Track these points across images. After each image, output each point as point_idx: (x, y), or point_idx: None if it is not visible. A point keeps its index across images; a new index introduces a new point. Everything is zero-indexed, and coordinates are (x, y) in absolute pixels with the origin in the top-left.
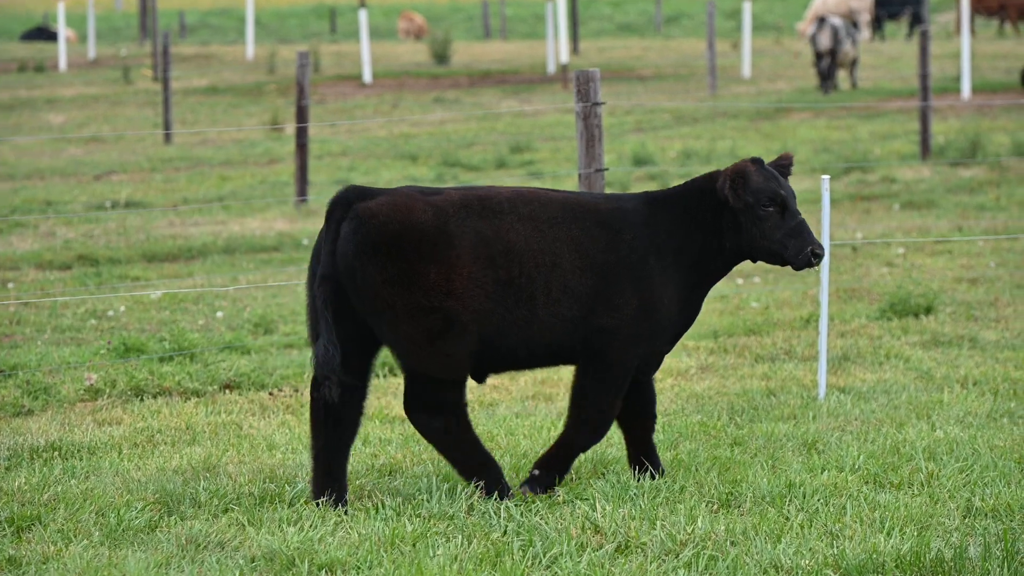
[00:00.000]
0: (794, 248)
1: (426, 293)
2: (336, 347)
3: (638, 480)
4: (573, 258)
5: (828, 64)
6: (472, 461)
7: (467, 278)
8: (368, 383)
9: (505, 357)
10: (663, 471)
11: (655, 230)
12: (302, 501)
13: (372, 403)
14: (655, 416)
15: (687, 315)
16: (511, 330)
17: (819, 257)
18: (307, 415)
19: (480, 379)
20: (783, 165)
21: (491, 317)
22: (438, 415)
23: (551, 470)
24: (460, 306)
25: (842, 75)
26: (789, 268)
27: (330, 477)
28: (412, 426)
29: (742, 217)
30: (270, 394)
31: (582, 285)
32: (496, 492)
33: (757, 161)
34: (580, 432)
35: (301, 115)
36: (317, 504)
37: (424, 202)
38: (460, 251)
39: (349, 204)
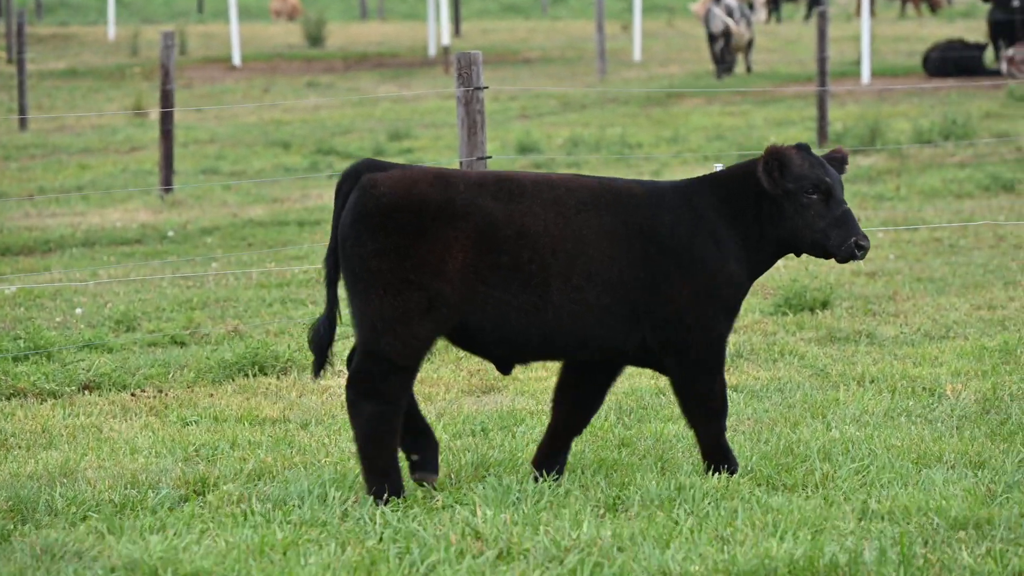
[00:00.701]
0: (837, 239)
1: (416, 268)
2: (331, 325)
3: (521, 482)
4: (604, 245)
5: (722, 47)
6: (379, 464)
7: (461, 260)
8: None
9: (515, 343)
10: (558, 476)
11: (698, 210)
12: (166, 507)
13: (241, 405)
14: (588, 423)
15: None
16: (516, 315)
17: (864, 249)
18: (171, 417)
19: (505, 370)
20: (836, 159)
21: (487, 301)
22: (374, 401)
23: (719, 466)
24: (448, 287)
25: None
26: None
27: (419, 439)
28: (346, 404)
29: (784, 204)
30: (132, 395)
31: (614, 273)
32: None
33: (803, 147)
34: (708, 425)
35: (166, 100)
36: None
37: (434, 175)
38: (461, 231)
39: (358, 176)
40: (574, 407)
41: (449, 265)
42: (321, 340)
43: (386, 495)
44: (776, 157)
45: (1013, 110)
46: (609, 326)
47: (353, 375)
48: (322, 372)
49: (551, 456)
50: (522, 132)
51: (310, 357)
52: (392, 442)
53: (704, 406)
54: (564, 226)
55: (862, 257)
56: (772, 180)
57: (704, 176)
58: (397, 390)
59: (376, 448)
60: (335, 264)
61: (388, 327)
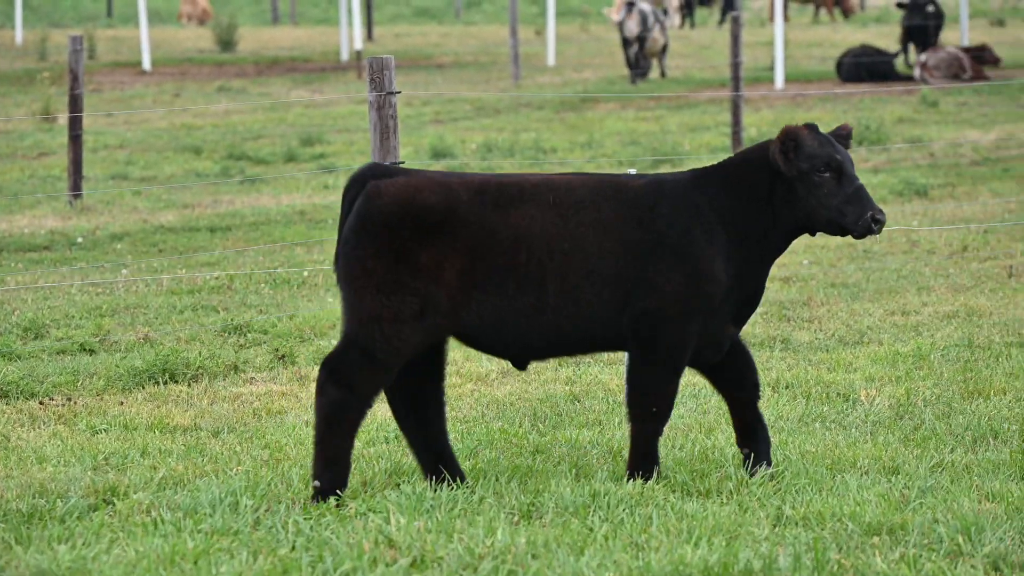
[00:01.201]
0: (853, 215)
1: (413, 273)
2: None
3: (435, 490)
4: (600, 240)
5: (637, 52)
6: (330, 451)
7: (459, 268)
8: (431, 363)
9: (519, 344)
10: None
11: (697, 204)
12: (74, 517)
13: (151, 412)
14: (758, 384)
15: (748, 293)
16: (515, 317)
17: (880, 224)
18: (80, 426)
19: (520, 366)
20: (841, 136)
21: (483, 307)
22: (342, 388)
23: (640, 469)
24: (444, 294)
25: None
26: None
27: (444, 463)
28: (316, 387)
29: (798, 185)
30: (40, 403)
31: (611, 267)
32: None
33: (812, 127)
34: (647, 422)
35: (75, 104)
36: (429, 479)
37: (437, 183)
38: (460, 240)
39: (364, 182)
40: (730, 382)
41: (446, 272)
42: None
43: (325, 489)
44: (792, 137)
45: (926, 115)
46: (608, 319)
47: (329, 357)
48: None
49: (747, 429)
50: (436, 137)
51: (221, 364)
52: (349, 433)
53: (649, 403)
54: (560, 225)
55: (879, 231)
56: (788, 161)
57: (711, 166)
58: (368, 384)
59: (330, 434)
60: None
61: (376, 322)
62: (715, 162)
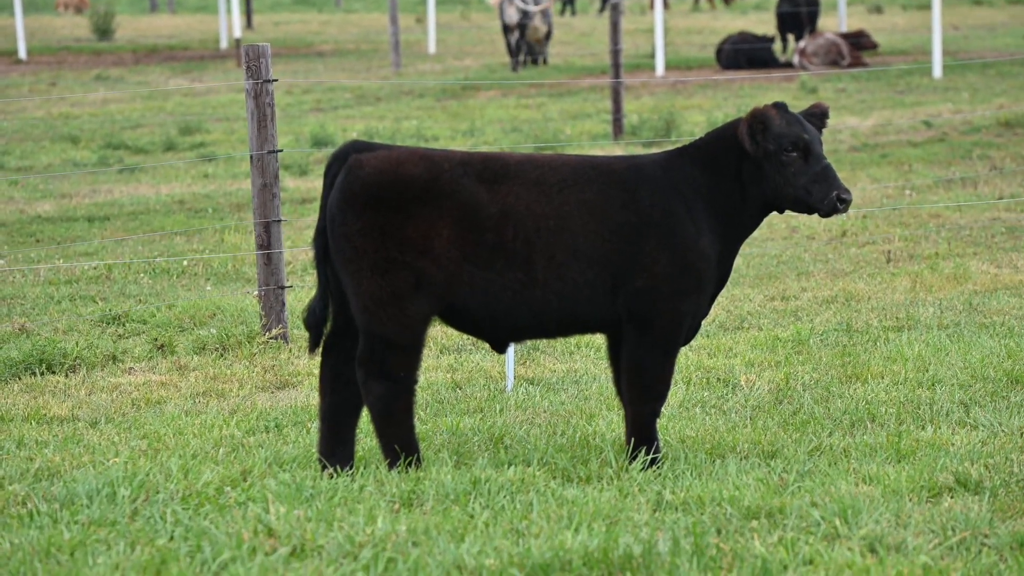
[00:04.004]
0: (819, 194)
1: (400, 247)
2: (324, 304)
3: (315, 479)
4: (585, 221)
5: (518, 39)
6: (394, 440)
7: (447, 239)
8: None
9: (506, 322)
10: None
11: (677, 184)
12: None
13: (28, 403)
14: None
15: (724, 271)
16: (504, 294)
17: (846, 203)
18: None
19: (499, 348)
20: (815, 115)
21: (474, 280)
22: (384, 381)
23: (641, 446)
24: (434, 267)
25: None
26: None
27: (337, 439)
28: (363, 390)
29: (765, 164)
30: None
31: (597, 248)
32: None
33: (780, 105)
34: (645, 403)
35: None
36: (322, 462)
37: (419, 156)
38: (445, 210)
39: (346, 158)
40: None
41: (435, 244)
42: (316, 319)
43: (404, 461)
44: (760, 120)
45: (805, 102)
46: (597, 300)
47: (360, 356)
48: (316, 349)
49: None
50: (316, 125)
51: (99, 355)
52: (406, 419)
53: (646, 383)
54: (545, 203)
55: (845, 210)
56: (754, 141)
57: (684, 146)
58: (403, 368)
59: (389, 426)
60: (323, 245)
61: (379, 307)
62: (688, 141)
